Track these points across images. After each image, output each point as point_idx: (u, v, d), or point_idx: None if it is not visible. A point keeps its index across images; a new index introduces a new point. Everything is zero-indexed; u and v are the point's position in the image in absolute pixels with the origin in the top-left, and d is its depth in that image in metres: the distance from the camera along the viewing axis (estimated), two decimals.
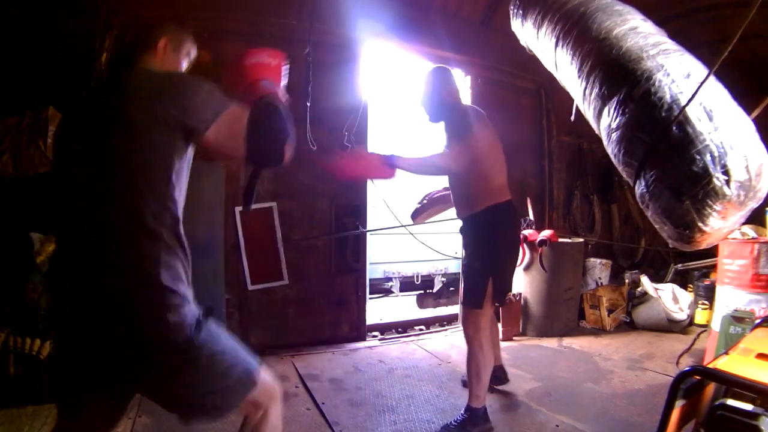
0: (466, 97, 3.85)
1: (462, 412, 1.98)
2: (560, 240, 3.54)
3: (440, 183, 2.36)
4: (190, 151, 1.05)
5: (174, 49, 1.19)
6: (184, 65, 1.26)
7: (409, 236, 3.56)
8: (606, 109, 1.58)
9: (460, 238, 2.20)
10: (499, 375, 2.40)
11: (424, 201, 2.27)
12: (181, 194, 1.03)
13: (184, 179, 1.05)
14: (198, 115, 0.98)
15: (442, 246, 3.94)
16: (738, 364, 1.03)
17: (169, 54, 1.18)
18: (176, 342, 0.95)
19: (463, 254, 2.17)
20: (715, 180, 1.29)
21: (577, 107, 1.86)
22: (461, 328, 2.02)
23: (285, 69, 1.19)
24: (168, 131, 0.96)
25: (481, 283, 1.94)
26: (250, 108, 1.05)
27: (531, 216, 3.77)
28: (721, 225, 1.36)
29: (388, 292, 5.11)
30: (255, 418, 1.11)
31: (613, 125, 1.55)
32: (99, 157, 0.99)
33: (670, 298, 3.57)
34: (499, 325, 3.42)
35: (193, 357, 0.98)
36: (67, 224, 1.04)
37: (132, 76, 1.06)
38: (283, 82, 1.17)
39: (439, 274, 5.12)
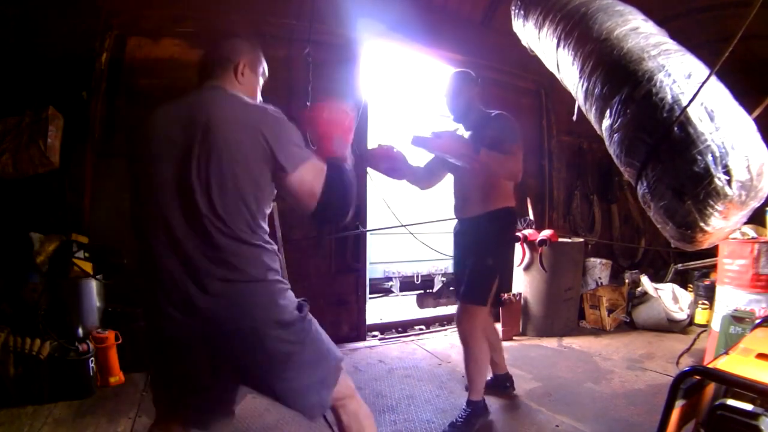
0: None
1: (464, 407, 2.02)
2: (560, 240, 3.54)
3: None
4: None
5: (252, 70, 1.23)
6: (261, 84, 1.29)
7: (409, 236, 3.56)
8: (608, 110, 1.58)
9: (466, 237, 2.14)
10: (506, 383, 2.39)
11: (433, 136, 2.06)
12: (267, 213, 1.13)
13: (270, 204, 1.14)
14: (288, 155, 1.05)
15: (442, 246, 3.94)
16: (738, 364, 1.03)
17: (248, 75, 1.21)
18: (288, 321, 1.08)
19: (464, 252, 2.13)
20: (716, 180, 1.29)
21: (578, 107, 1.86)
22: (462, 327, 2.01)
23: (354, 123, 1.22)
24: (264, 162, 1.04)
25: (489, 281, 1.98)
26: (327, 166, 1.11)
27: (531, 216, 3.78)
28: (723, 225, 1.36)
29: (388, 291, 5.11)
30: (349, 406, 1.19)
31: (615, 126, 1.55)
32: (187, 174, 1.03)
33: (670, 298, 3.57)
34: (499, 325, 3.43)
35: (302, 335, 1.10)
36: (159, 234, 1.07)
37: (225, 101, 1.10)
38: (351, 137, 1.20)
39: (439, 274, 5.13)
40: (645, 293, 3.69)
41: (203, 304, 1.02)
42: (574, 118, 1.96)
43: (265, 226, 1.11)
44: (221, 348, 1.06)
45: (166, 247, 1.06)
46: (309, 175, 1.08)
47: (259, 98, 1.27)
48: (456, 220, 2.22)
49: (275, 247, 1.13)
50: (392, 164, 1.97)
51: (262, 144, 1.03)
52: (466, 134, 2.05)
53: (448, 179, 2.26)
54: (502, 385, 2.38)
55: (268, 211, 1.13)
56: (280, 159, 1.04)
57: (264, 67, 1.29)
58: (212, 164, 1.01)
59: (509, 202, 2.06)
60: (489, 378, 2.39)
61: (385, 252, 4.88)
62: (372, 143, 3.39)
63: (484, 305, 2.00)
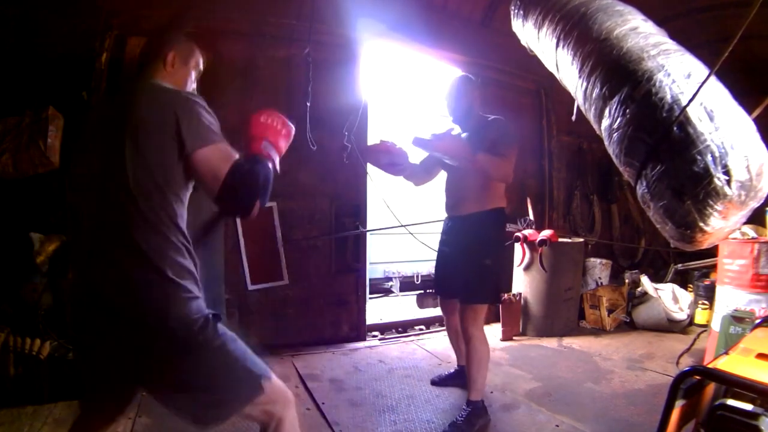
0: None
1: (464, 407, 2.04)
2: (560, 240, 3.54)
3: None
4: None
5: (182, 62, 1.25)
6: (193, 76, 1.31)
7: (409, 236, 3.56)
8: (607, 110, 1.58)
9: (459, 234, 2.17)
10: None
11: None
12: (184, 203, 1.12)
13: (186, 190, 1.12)
14: (194, 133, 1.04)
15: None
16: (738, 364, 1.03)
17: (178, 67, 1.24)
18: (178, 330, 1.00)
19: (457, 250, 2.17)
20: (716, 180, 1.29)
21: (577, 107, 1.86)
22: (470, 330, 2.05)
23: (289, 140, 1.22)
24: (172, 143, 1.03)
25: (492, 280, 2.07)
26: (244, 158, 1.09)
27: (531, 216, 3.78)
28: (722, 225, 1.36)
29: (388, 292, 5.11)
30: (271, 427, 1.12)
31: (615, 126, 1.55)
32: (110, 160, 1.03)
33: (670, 298, 3.57)
34: (499, 326, 3.43)
35: (196, 350, 1.02)
36: (76, 222, 1.09)
37: (146, 89, 1.13)
38: (283, 149, 1.20)
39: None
40: (645, 293, 3.69)
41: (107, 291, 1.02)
42: (573, 118, 1.97)
43: (180, 221, 1.08)
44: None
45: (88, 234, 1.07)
46: (214, 157, 1.05)
47: (191, 88, 1.30)
48: (446, 217, 2.26)
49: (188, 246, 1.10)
50: (392, 159, 2.02)
51: (171, 123, 1.02)
52: (464, 135, 2.09)
53: (441, 176, 2.31)
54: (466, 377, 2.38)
55: (184, 201, 1.11)
56: (185, 136, 1.02)
57: (197, 59, 1.31)
58: (128, 150, 1.01)
59: (501, 203, 2.12)
60: (453, 369, 2.52)
61: (385, 252, 4.88)
62: (373, 141, 3.40)
63: (488, 303, 2.08)
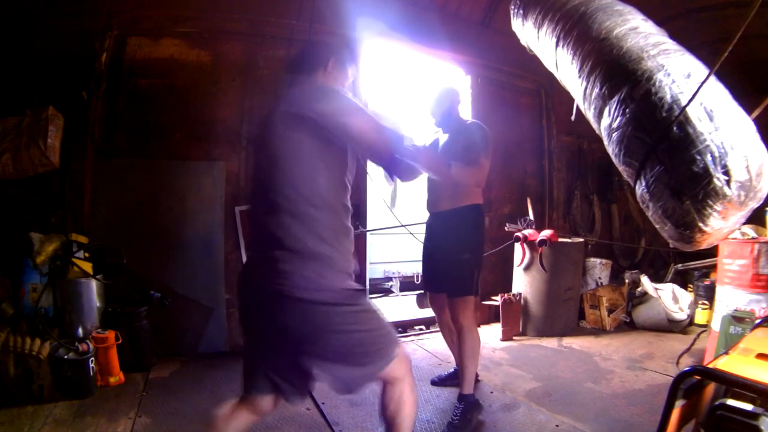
0: (466, 97, 3.86)
1: (457, 404, 2.07)
2: (560, 240, 3.53)
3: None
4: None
5: (340, 68, 1.39)
6: (348, 80, 1.44)
7: (409, 236, 3.56)
8: (606, 109, 1.58)
9: (440, 230, 2.27)
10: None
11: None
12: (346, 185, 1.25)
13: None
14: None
15: None
16: (738, 364, 1.03)
17: (336, 73, 1.38)
18: (341, 297, 1.16)
19: (437, 245, 2.25)
20: (715, 180, 1.28)
21: (577, 107, 1.86)
22: (460, 322, 2.12)
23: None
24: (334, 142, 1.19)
25: (472, 273, 2.12)
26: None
27: (531, 216, 3.77)
28: (722, 225, 1.35)
29: (388, 292, 5.11)
30: (398, 387, 1.26)
31: (614, 125, 1.55)
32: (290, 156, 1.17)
33: (670, 298, 3.57)
34: (499, 325, 3.43)
35: (353, 311, 1.17)
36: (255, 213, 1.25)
37: (315, 89, 1.28)
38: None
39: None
40: (645, 293, 3.69)
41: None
42: (573, 118, 1.97)
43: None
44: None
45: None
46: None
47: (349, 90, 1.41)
48: (429, 216, 2.36)
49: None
50: None
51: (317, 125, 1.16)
52: (444, 137, 2.24)
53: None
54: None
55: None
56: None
57: (354, 66, 1.45)
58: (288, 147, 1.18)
59: (477, 200, 2.22)
60: (453, 369, 2.54)
61: (385, 252, 4.88)
62: None
63: (474, 294, 2.14)
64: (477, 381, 2.33)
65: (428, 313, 3.88)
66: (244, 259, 2.95)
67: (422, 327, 3.75)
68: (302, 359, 1.20)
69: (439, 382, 2.53)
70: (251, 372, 1.30)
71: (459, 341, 2.12)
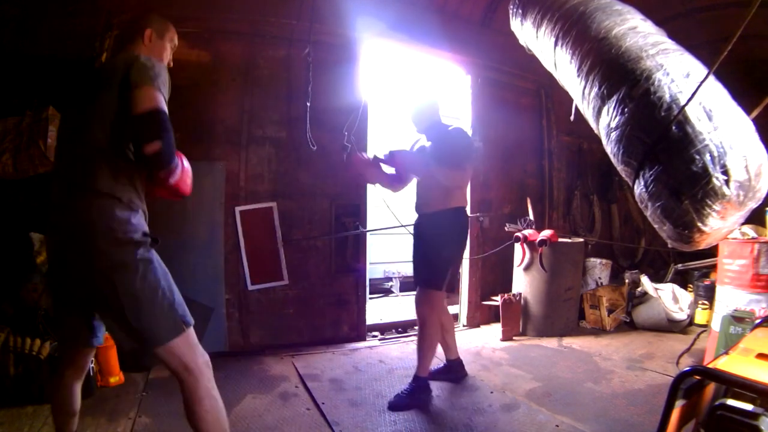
0: (466, 97, 3.86)
1: (410, 381, 2.26)
2: (560, 240, 3.53)
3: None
4: None
5: (159, 37, 1.44)
6: (168, 50, 1.49)
7: (409, 236, 3.56)
8: (605, 109, 1.58)
9: (425, 229, 2.38)
10: (459, 370, 2.58)
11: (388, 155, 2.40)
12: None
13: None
14: (135, 78, 1.22)
15: None
16: (738, 364, 1.03)
17: (155, 42, 1.43)
18: (121, 240, 1.19)
19: (422, 243, 2.37)
20: (714, 180, 1.28)
21: (576, 107, 1.86)
22: (420, 310, 2.30)
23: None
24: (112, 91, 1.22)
25: (444, 270, 2.26)
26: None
27: (531, 216, 3.77)
28: (721, 225, 1.35)
29: (388, 292, 5.11)
30: (190, 381, 1.24)
31: (613, 125, 1.55)
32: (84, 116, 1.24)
33: (670, 298, 3.57)
34: (499, 325, 3.43)
35: (134, 263, 1.19)
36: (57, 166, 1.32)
37: (118, 58, 1.32)
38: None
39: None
40: (645, 293, 3.69)
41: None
42: (572, 118, 1.97)
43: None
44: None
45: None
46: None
47: (166, 60, 1.47)
48: (417, 215, 2.47)
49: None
50: (368, 170, 2.30)
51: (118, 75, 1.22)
52: (428, 144, 2.36)
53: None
54: (455, 371, 2.56)
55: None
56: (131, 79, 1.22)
57: (172, 35, 1.50)
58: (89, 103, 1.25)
59: (463, 202, 2.34)
60: (442, 364, 2.63)
61: (385, 252, 4.88)
62: (371, 143, 3.40)
63: (441, 290, 2.28)
64: (425, 403, 2.33)
65: None
66: (245, 258, 2.96)
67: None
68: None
69: (429, 377, 2.55)
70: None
71: (420, 331, 2.29)
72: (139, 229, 1.24)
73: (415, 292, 2.43)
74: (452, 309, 4.02)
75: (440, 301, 2.33)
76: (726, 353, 1.12)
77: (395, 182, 2.46)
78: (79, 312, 1.29)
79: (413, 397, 2.19)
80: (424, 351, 2.26)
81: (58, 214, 1.24)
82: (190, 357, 1.24)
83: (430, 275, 2.28)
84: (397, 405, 2.16)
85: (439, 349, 2.49)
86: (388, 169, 2.38)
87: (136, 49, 1.37)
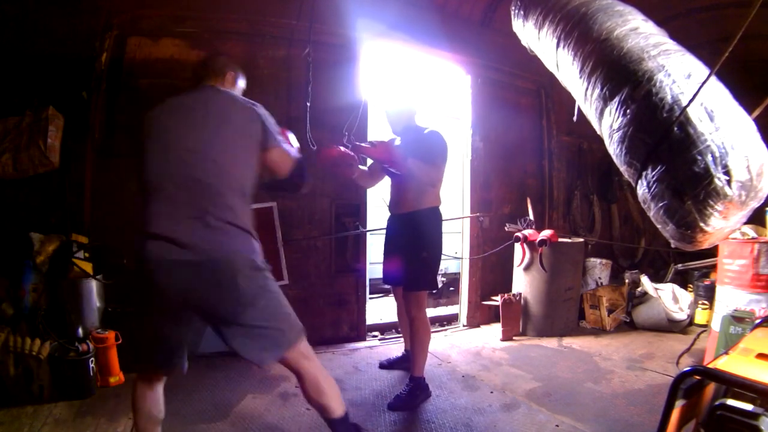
0: (466, 97, 3.86)
1: (408, 382, 2.28)
2: (560, 240, 3.54)
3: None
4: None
5: (236, 80, 1.63)
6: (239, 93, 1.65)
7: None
8: (607, 110, 1.59)
9: (400, 230, 2.41)
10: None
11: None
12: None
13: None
14: (270, 137, 1.44)
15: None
16: (738, 364, 1.03)
17: (232, 84, 1.62)
18: (256, 262, 1.36)
19: (398, 243, 2.39)
20: (716, 180, 1.29)
21: (578, 107, 1.86)
22: (412, 313, 2.31)
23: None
24: (252, 140, 1.40)
25: (428, 270, 2.30)
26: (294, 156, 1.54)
27: (531, 216, 3.77)
28: (723, 225, 1.36)
29: (388, 292, 5.10)
30: (310, 371, 1.46)
31: (615, 126, 1.55)
32: (205, 141, 1.35)
33: (670, 298, 3.57)
34: (499, 325, 3.43)
35: (265, 282, 1.39)
36: (167, 186, 1.34)
37: (222, 91, 1.50)
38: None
39: (438, 274, 5.11)
40: (645, 293, 3.69)
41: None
42: (575, 118, 1.97)
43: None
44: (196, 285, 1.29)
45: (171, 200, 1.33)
46: (279, 154, 1.47)
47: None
48: (390, 215, 2.51)
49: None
50: (343, 163, 2.22)
51: (256, 124, 1.41)
52: (398, 143, 2.40)
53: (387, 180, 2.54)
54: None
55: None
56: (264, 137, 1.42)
57: (242, 81, 1.67)
58: (218, 137, 1.36)
59: (436, 203, 2.36)
60: (401, 353, 2.74)
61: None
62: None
63: (427, 290, 2.35)
64: (425, 401, 2.37)
65: (428, 313, 3.88)
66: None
67: None
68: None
69: (388, 365, 2.72)
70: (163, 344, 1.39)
71: (411, 332, 2.32)
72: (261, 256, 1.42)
73: (379, 296, 2.48)
74: (452, 309, 4.04)
75: (425, 300, 2.37)
76: (726, 353, 1.13)
77: (370, 177, 2.51)
78: (184, 337, 1.40)
79: (412, 397, 2.21)
80: (418, 351, 2.29)
81: (186, 246, 1.27)
82: (307, 351, 1.49)
83: (418, 276, 2.29)
84: (396, 406, 2.17)
85: (441, 352, 2.49)
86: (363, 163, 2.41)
87: (217, 84, 1.55)
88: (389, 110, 2.44)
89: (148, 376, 1.43)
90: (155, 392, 1.43)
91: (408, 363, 2.57)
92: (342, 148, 2.17)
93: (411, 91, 2.52)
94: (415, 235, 2.30)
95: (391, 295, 5.00)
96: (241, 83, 1.66)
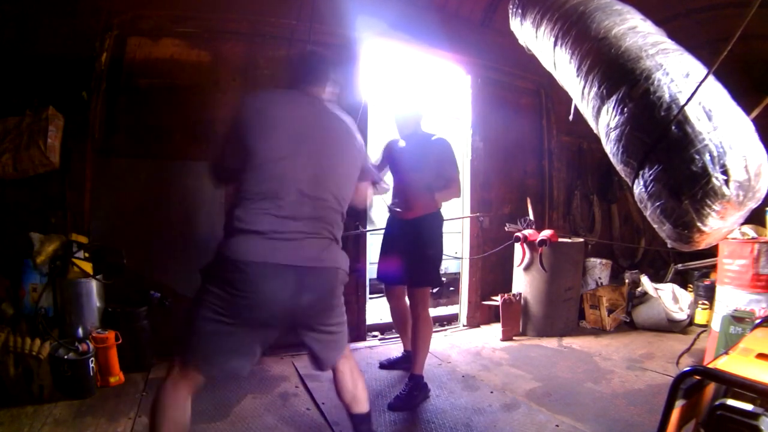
0: (466, 97, 3.86)
1: (407, 381, 2.31)
2: (560, 240, 3.53)
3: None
4: None
5: (330, 94, 1.55)
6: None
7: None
8: (605, 108, 1.59)
9: (404, 229, 2.45)
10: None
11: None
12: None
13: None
14: (367, 172, 1.57)
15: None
16: (738, 364, 1.03)
17: (329, 93, 1.55)
18: (347, 274, 1.51)
19: (402, 244, 2.42)
20: (714, 180, 1.28)
21: (575, 107, 1.86)
22: (418, 310, 2.37)
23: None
24: (357, 170, 1.50)
25: (436, 267, 2.40)
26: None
27: (531, 216, 3.77)
28: (720, 225, 1.35)
29: None
30: (351, 364, 1.63)
31: (612, 124, 1.55)
32: (335, 163, 1.41)
33: (670, 298, 3.57)
34: (499, 325, 3.43)
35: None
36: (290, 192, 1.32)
37: (336, 111, 1.48)
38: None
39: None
40: (645, 293, 3.69)
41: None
42: (571, 118, 1.97)
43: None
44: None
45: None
46: (365, 187, 1.61)
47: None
48: (390, 216, 2.58)
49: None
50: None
51: (362, 156, 1.51)
52: (403, 144, 2.49)
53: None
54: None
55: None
56: (365, 168, 1.54)
57: (338, 87, 1.62)
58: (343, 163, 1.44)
59: (438, 206, 2.44)
60: (401, 354, 2.76)
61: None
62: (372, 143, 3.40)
63: (432, 286, 2.46)
64: (424, 400, 2.41)
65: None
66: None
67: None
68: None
69: (388, 365, 2.73)
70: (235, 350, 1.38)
71: (414, 329, 2.37)
72: None
73: (379, 296, 2.52)
74: (452, 309, 4.04)
75: (429, 297, 2.46)
76: (726, 353, 1.13)
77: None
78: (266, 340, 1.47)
79: (412, 397, 2.22)
80: (420, 348, 2.32)
81: (309, 260, 1.33)
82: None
83: (424, 275, 2.36)
84: (396, 406, 2.17)
85: (441, 352, 2.49)
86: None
87: (320, 93, 1.50)
88: (398, 115, 2.49)
89: (188, 381, 1.32)
90: (188, 399, 1.33)
91: (408, 363, 2.59)
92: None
93: (418, 95, 2.58)
94: (420, 234, 2.36)
95: None
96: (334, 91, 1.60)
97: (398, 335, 3.48)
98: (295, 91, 1.47)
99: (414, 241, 2.36)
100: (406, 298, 2.52)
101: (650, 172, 1.41)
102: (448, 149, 2.38)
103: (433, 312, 3.81)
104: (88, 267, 2.40)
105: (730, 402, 0.91)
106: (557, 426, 2.01)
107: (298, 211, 1.31)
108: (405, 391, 2.25)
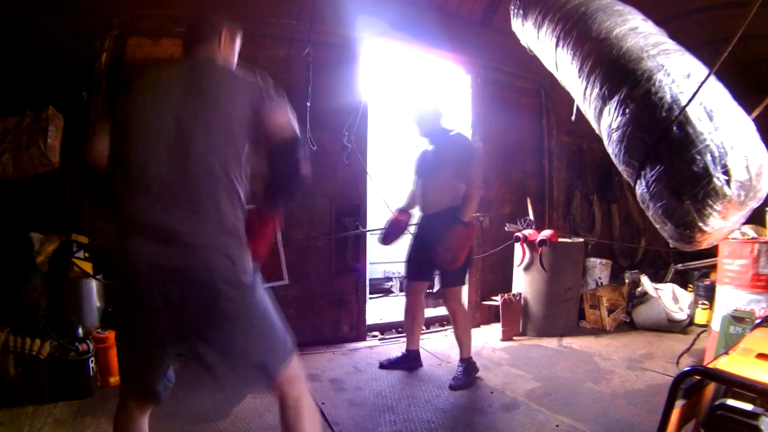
0: (466, 97, 3.86)
1: (459, 364, 2.53)
2: (560, 240, 3.53)
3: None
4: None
5: (231, 38, 1.38)
6: (236, 53, 1.43)
7: (409, 236, 3.55)
8: (606, 109, 1.59)
9: (436, 229, 2.48)
10: (415, 360, 2.76)
11: (388, 227, 2.77)
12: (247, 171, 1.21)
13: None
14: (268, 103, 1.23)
15: None
16: (738, 364, 1.03)
17: (228, 43, 1.36)
18: (242, 280, 1.13)
19: (429, 240, 2.47)
20: (715, 180, 1.29)
21: (577, 107, 1.86)
22: (453, 306, 2.56)
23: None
24: (246, 122, 1.16)
25: (463, 266, 2.50)
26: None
27: (531, 216, 3.77)
28: (722, 225, 1.36)
29: (388, 292, 5.10)
30: (293, 396, 1.21)
31: (614, 125, 1.55)
32: (192, 122, 1.13)
33: (670, 298, 3.57)
34: (499, 325, 3.43)
35: (251, 299, 1.16)
36: (150, 177, 1.11)
37: (215, 67, 1.25)
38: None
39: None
40: (645, 293, 3.69)
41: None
42: (573, 118, 1.97)
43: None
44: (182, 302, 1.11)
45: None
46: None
47: (234, 62, 1.41)
48: (421, 215, 2.70)
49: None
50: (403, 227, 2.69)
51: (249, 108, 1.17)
52: (431, 147, 2.58)
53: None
54: (412, 360, 2.73)
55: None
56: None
57: (241, 35, 1.45)
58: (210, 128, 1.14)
59: (458, 201, 2.50)
60: (401, 354, 2.78)
61: (385, 252, 4.87)
62: (371, 144, 3.40)
63: (465, 283, 2.67)
64: (477, 378, 2.57)
65: (428, 313, 3.88)
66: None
67: (422, 327, 3.74)
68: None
69: (388, 365, 2.74)
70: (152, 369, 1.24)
71: (454, 322, 2.58)
72: None
73: (379, 295, 2.58)
74: None
75: (461, 293, 2.64)
76: (726, 353, 1.13)
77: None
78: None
79: (469, 375, 2.49)
80: (463, 336, 2.54)
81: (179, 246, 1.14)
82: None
83: (456, 272, 2.49)
84: (457, 386, 2.40)
85: (441, 352, 2.51)
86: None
87: (210, 50, 1.31)
88: (416, 113, 2.57)
89: (131, 408, 1.23)
90: (142, 419, 1.25)
91: (408, 363, 2.70)
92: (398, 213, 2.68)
93: (436, 94, 2.71)
94: (446, 231, 2.42)
95: (391, 294, 5.03)
96: (238, 40, 1.43)
97: (400, 335, 3.50)
98: (174, 65, 1.30)
99: (434, 237, 2.43)
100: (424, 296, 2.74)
101: (652, 172, 1.41)
102: (466, 147, 2.52)
103: (434, 312, 3.81)
104: (88, 267, 2.40)
105: (730, 402, 0.91)
106: (557, 426, 2.01)
107: (160, 198, 1.10)
108: (461, 372, 2.48)
